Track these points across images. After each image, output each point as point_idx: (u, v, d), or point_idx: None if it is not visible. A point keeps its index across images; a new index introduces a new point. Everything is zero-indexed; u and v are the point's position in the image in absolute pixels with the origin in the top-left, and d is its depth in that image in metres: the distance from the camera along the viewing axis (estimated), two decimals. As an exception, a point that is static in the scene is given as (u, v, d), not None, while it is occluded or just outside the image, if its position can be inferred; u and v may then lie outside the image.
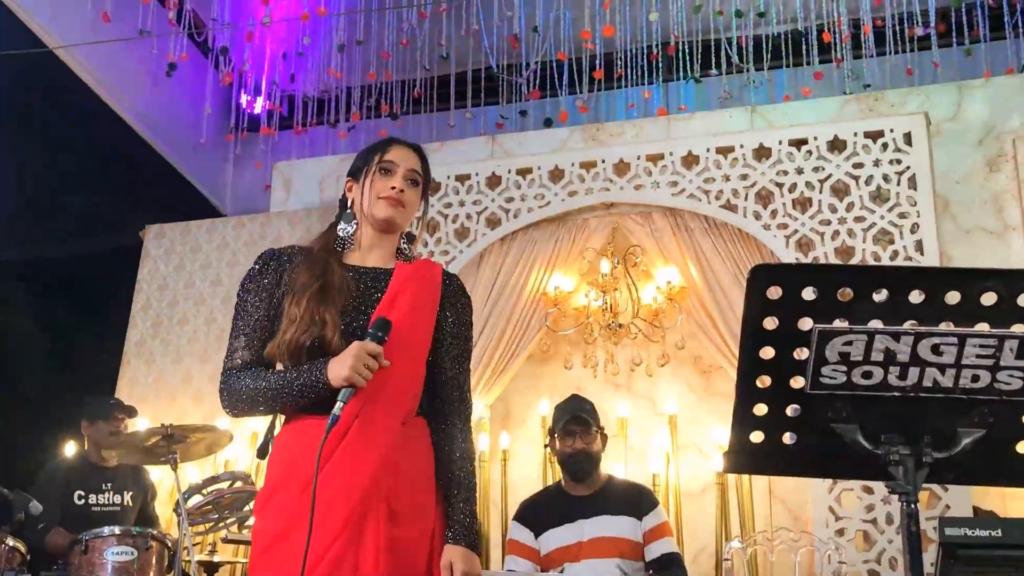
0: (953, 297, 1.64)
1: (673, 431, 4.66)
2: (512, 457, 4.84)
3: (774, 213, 4.71)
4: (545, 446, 4.60)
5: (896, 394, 1.69)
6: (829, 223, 4.61)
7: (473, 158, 5.42)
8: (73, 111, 5.94)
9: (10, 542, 3.57)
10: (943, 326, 1.65)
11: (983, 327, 1.65)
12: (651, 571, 3.67)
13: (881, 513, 4.18)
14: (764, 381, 1.76)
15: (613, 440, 4.54)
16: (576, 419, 3.81)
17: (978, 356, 1.65)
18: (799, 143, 4.78)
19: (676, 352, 4.94)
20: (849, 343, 1.67)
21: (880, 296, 1.65)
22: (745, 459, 1.83)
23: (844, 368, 1.69)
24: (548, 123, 6.24)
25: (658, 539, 3.71)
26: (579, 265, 5.06)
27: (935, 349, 1.65)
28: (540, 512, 3.82)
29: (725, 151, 4.88)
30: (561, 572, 3.62)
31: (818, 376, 1.71)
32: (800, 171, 4.71)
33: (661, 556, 3.69)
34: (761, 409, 1.78)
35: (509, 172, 5.18)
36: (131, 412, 4.56)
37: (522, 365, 5.09)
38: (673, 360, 4.96)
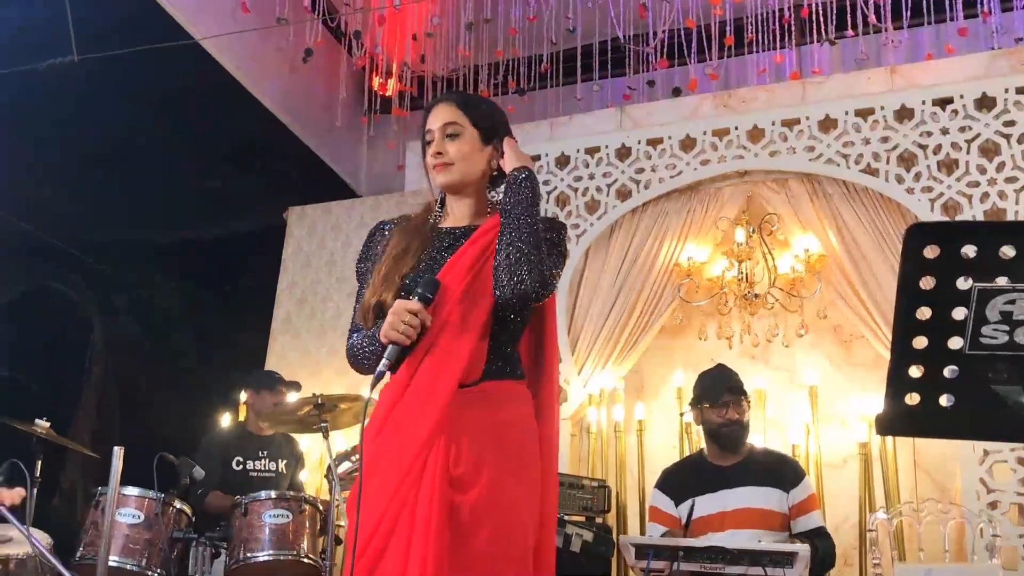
0: (1126, 252, 1.57)
1: (813, 402, 4.58)
2: (646, 428, 4.85)
3: (918, 176, 4.54)
4: (680, 414, 4.62)
5: (1062, 353, 1.64)
6: (978, 185, 4.41)
7: (601, 130, 5.42)
8: (217, 99, 6.22)
9: (177, 505, 3.82)
10: (1115, 282, 1.59)
11: None
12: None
13: (1036, 487, 4.01)
14: (920, 342, 1.72)
15: (752, 412, 4.51)
16: (730, 389, 3.79)
17: None
18: (943, 102, 4.59)
19: (815, 322, 4.84)
20: (1012, 302, 1.62)
21: (1046, 253, 1.60)
22: (900, 422, 1.80)
23: (1006, 328, 1.64)
24: (677, 92, 6.17)
25: (806, 513, 3.66)
26: (713, 235, 5.01)
27: (1105, 306, 1.59)
28: (682, 480, 3.82)
29: (864, 113, 4.73)
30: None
31: (978, 336, 1.66)
32: (945, 131, 4.52)
33: (810, 531, 3.64)
34: (917, 371, 1.74)
35: (639, 143, 5.16)
36: (293, 386, 4.79)
37: (655, 337, 5.08)
38: (812, 330, 4.86)
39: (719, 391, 3.76)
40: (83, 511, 3.86)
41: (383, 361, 1.92)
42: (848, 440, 4.52)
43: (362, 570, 1.87)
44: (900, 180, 4.56)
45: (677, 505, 3.78)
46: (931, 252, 1.66)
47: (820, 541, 3.60)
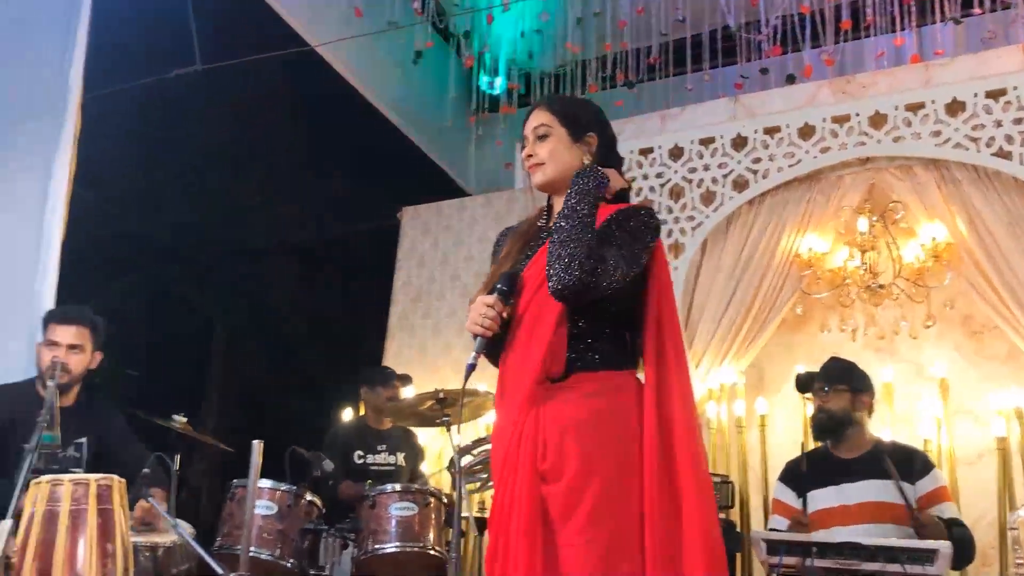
0: None
1: (944, 395, 4.42)
2: (771, 424, 4.76)
3: (1060, 155, 4.33)
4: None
5: None
6: None
7: (715, 121, 5.34)
8: (331, 103, 6.38)
9: (308, 497, 3.94)
10: None
11: None
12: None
13: None
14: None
15: (878, 405, 4.38)
16: (826, 379, 3.73)
17: None
18: (1084, 80, 4.37)
19: (943, 313, 4.67)
20: None
21: None
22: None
23: None
24: (791, 79, 6.02)
25: (936, 504, 3.53)
26: (834, 225, 4.89)
27: None
28: (805, 473, 3.75)
29: (996, 94, 4.53)
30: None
31: None
32: (1088, 109, 4.30)
33: (946, 520, 3.51)
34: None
35: (755, 132, 5.07)
36: (405, 380, 4.89)
37: (775, 331, 4.98)
38: (939, 321, 4.68)
39: (817, 379, 3.71)
40: (209, 504, 4.01)
41: (471, 354, 2.02)
42: (983, 435, 4.34)
43: (491, 564, 1.96)
44: (1036, 162, 4.36)
45: (799, 497, 3.71)
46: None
47: (957, 529, 3.48)
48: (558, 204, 2.16)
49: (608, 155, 2.22)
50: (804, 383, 3.84)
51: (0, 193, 4.32)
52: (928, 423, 4.39)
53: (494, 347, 2.06)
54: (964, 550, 3.42)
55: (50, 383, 2.98)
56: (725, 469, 4.63)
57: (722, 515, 4.27)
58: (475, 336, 2.02)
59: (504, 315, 2.01)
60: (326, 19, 5.99)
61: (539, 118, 2.19)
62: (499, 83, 6.90)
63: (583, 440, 1.94)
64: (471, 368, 2.00)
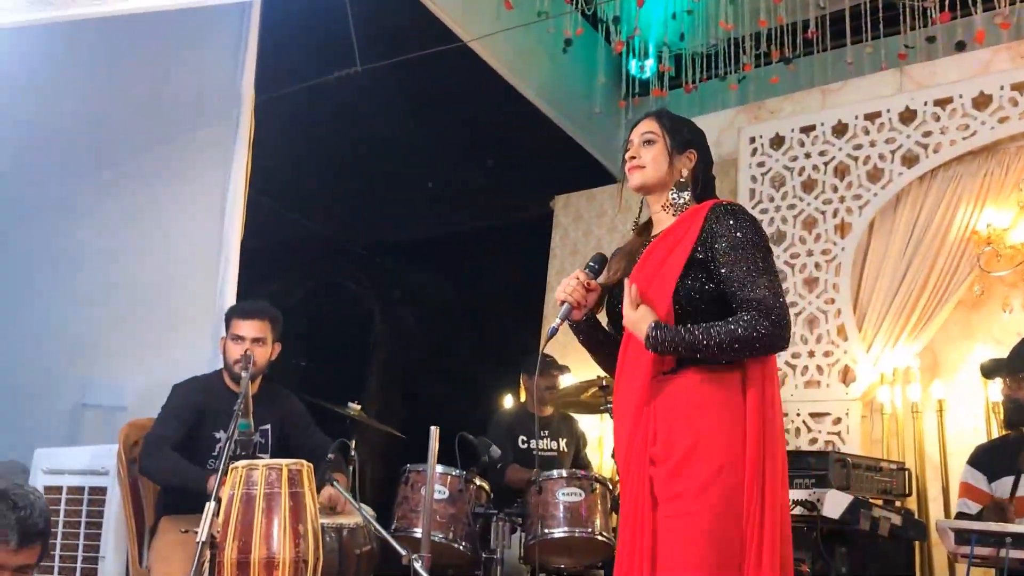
0: None
1: None
2: (949, 408, 4.55)
3: None
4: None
5: None
6: None
7: (880, 94, 5.13)
8: (484, 96, 6.47)
9: (478, 482, 4.03)
10: None
11: None
12: None
13: None
14: None
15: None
16: (1007, 367, 3.52)
17: None
18: None
19: None
20: None
21: None
22: None
23: None
24: (961, 46, 5.70)
25: None
26: (1016, 198, 4.60)
27: None
28: (997, 457, 3.58)
29: None
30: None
31: None
32: None
33: None
34: None
35: (925, 104, 4.83)
36: (564, 370, 4.92)
37: (953, 311, 4.75)
38: None
39: (1006, 367, 3.50)
40: (374, 488, 4.14)
41: (556, 320, 2.22)
42: None
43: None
44: None
45: (991, 482, 3.53)
46: None
47: None
48: (654, 205, 2.33)
49: (705, 175, 2.33)
50: (990, 370, 3.66)
51: (182, 196, 4.61)
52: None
53: (608, 349, 2.26)
54: None
55: (244, 374, 3.16)
56: (900, 456, 4.45)
57: (899, 503, 4.13)
58: (561, 303, 2.23)
59: (588, 287, 2.22)
60: (477, 13, 6.07)
61: (648, 126, 2.34)
62: (649, 66, 6.82)
63: (692, 423, 2.06)
64: (554, 331, 2.20)
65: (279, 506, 2.77)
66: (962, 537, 2.82)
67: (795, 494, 3.32)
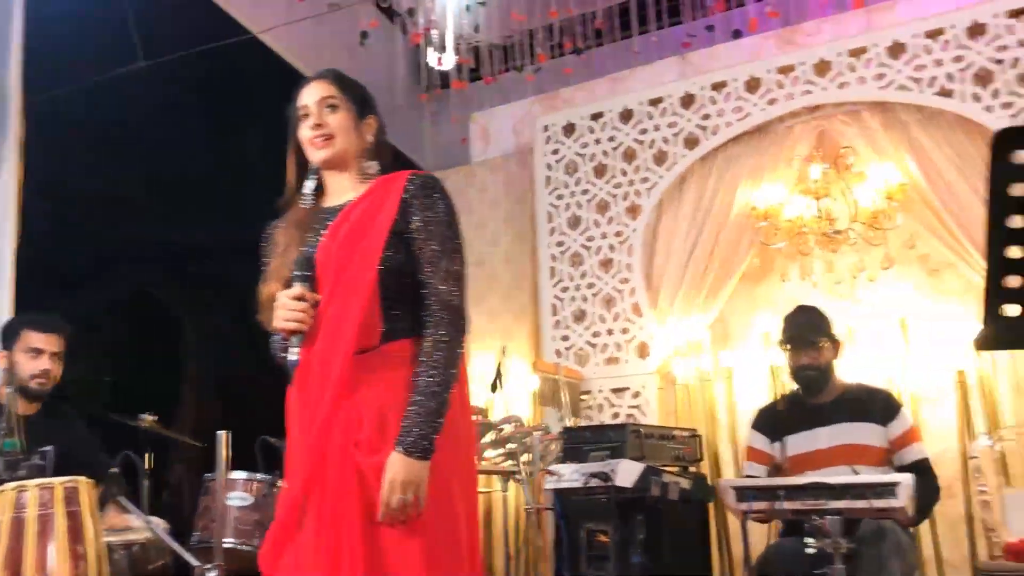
0: None
1: (905, 335, 4.49)
2: (738, 376, 4.83)
3: (995, 93, 4.38)
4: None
5: None
6: (1061, 95, 4.25)
7: (663, 80, 5.36)
8: (282, 91, 6.32)
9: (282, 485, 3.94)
10: None
11: None
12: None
13: None
14: (1015, 252, 1.68)
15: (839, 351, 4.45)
16: (803, 334, 3.73)
17: None
18: (1018, 13, 4.41)
19: (900, 254, 4.73)
20: None
21: None
22: (1000, 335, 1.76)
23: None
24: (737, 35, 6.05)
25: (908, 445, 3.59)
26: (787, 175, 4.92)
27: None
28: (777, 419, 3.80)
29: (934, 34, 4.57)
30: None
31: (1078, 239, 1.62)
32: (1023, 43, 4.34)
33: (913, 463, 3.58)
34: (1014, 281, 1.70)
35: (702, 89, 5.09)
36: None
37: (738, 284, 5.03)
38: (898, 262, 4.75)
39: (793, 336, 3.72)
40: (191, 499, 4.00)
41: (292, 351, 1.94)
42: (944, 370, 4.42)
43: (281, 538, 1.92)
44: (977, 99, 4.41)
45: (772, 443, 3.76)
46: (1021, 157, 1.62)
47: (922, 478, 3.56)
48: (335, 181, 2.11)
49: (382, 143, 2.18)
50: (790, 339, 3.81)
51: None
52: (891, 363, 4.46)
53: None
54: (929, 501, 3.51)
55: (8, 389, 2.96)
56: (693, 424, 4.69)
57: (693, 468, 4.35)
58: (292, 333, 1.94)
59: (314, 300, 1.95)
60: (268, 5, 5.93)
61: (326, 89, 2.10)
62: (447, 59, 6.86)
63: (399, 411, 1.91)
64: (295, 365, 1.93)
65: (54, 528, 2.62)
66: (741, 494, 3.00)
67: (592, 467, 3.43)
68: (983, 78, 4.44)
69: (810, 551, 2.84)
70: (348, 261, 1.97)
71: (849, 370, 4.45)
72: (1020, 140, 1.60)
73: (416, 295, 2.00)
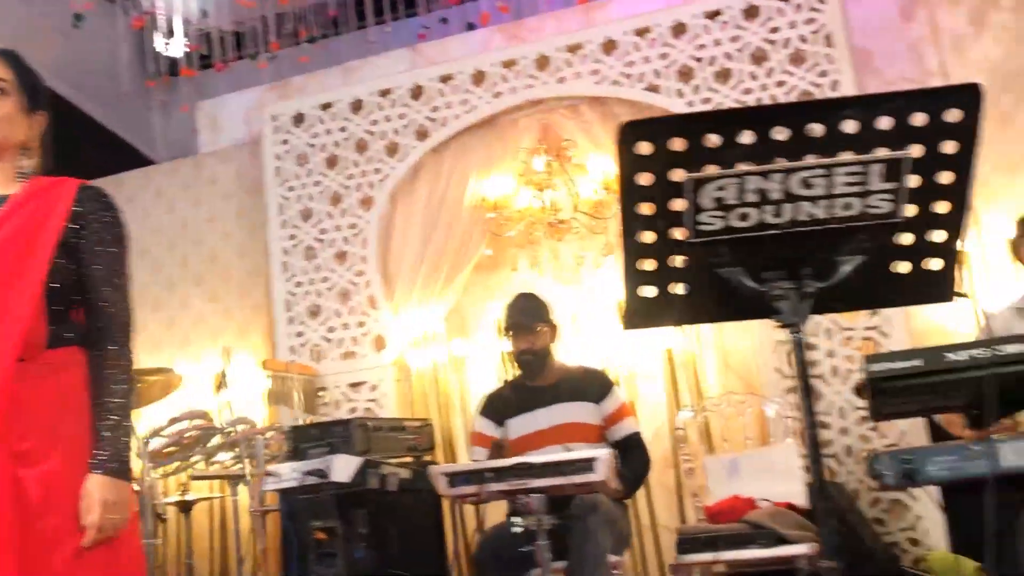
0: (815, 130, 1.68)
1: (619, 316, 4.74)
2: (472, 364, 4.92)
3: (696, 88, 4.70)
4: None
5: (774, 232, 1.74)
6: (750, 91, 4.62)
7: (395, 71, 5.36)
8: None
9: None
10: (809, 159, 1.70)
11: (848, 155, 1.69)
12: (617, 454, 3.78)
13: (826, 367, 4.31)
14: (647, 237, 1.80)
15: (567, 333, 4.64)
16: (523, 319, 3.86)
17: (847, 184, 1.69)
18: (714, 15, 4.75)
19: (620, 241, 4.97)
20: (722, 188, 1.71)
21: (745, 138, 1.69)
22: (642, 315, 1.89)
23: (721, 213, 1.73)
24: (471, 27, 6.16)
25: (619, 421, 3.79)
26: (515, 167, 5.06)
27: (805, 183, 1.69)
28: (501, 403, 3.90)
29: (642, 32, 4.84)
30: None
31: (697, 225, 1.75)
32: (718, 43, 4.69)
33: (624, 438, 3.78)
34: (649, 264, 1.82)
35: (431, 81, 5.13)
36: None
37: (473, 274, 5.13)
38: (616, 250, 5.00)
39: (512, 322, 3.84)
40: None
41: None
42: (654, 348, 4.70)
43: None
44: (680, 94, 4.72)
45: (498, 427, 3.86)
46: (645, 148, 1.73)
47: (637, 451, 3.77)
48: None
49: (46, 144, 2.05)
50: (510, 326, 3.91)
51: None
52: (611, 344, 4.70)
53: None
54: (638, 474, 3.73)
55: None
56: (431, 414, 4.74)
57: (428, 457, 4.39)
58: None
59: None
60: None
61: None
62: (175, 45, 6.54)
63: (65, 421, 1.84)
64: None
65: None
66: (452, 480, 3.04)
67: (308, 464, 3.38)
68: (686, 74, 4.76)
69: (516, 530, 2.93)
70: (11, 266, 1.84)
71: (574, 353, 4.68)
72: (643, 132, 1.71)
73: (82, 305, 1.93)
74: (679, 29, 4.80)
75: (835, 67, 4.52)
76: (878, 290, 1.84)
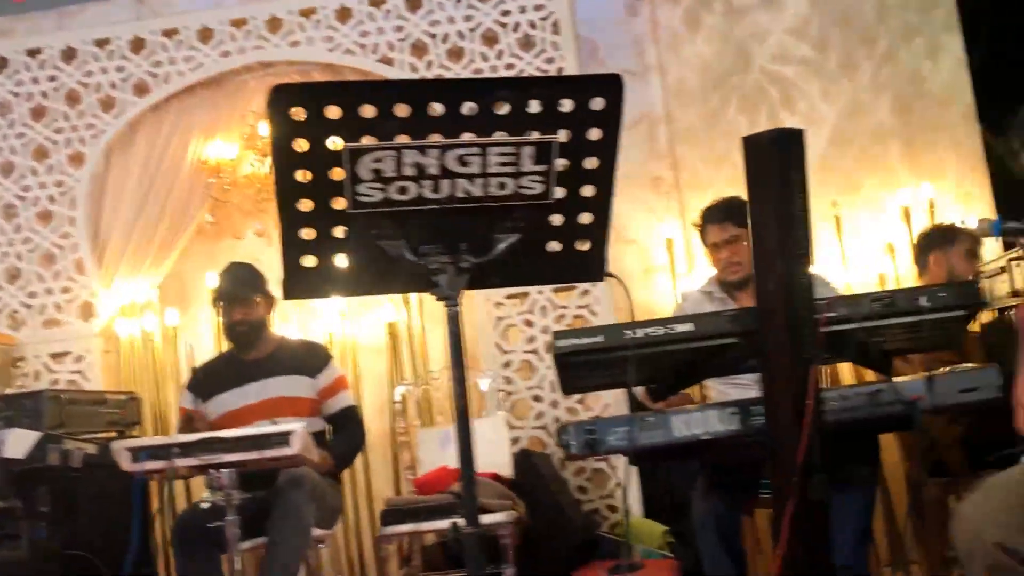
0: (470, 108, 1.71)
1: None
2: (190, 335, 4.73)
3: (429, 64, 4.72)
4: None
5: (433, 207, 1.76)
6: (481, 72, 4.69)
7: (116, 20, 5.00)
8: None
9: None
10: (466, 137, 1.73)
11: (501, 135, 1.74)
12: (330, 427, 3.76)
13: (540, 342, 4.48)
14: (306, 205, 1.77)
15: (289, 304, 4.55)
16: (230, 293, 3.74)
17: (501, 164, 1.75)
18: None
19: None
20: (379, 160, 1.71)
21: (403, 111, 1.69)
22: (302, 285, 1.86)
23: (380, 185, 1.74)
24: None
25: (334, 395, 3.77)
26: (241, 131, 4.87)
27: (461, 160, 1.73)
28: (209, 378, 3.77)
29: (378, 3, 4.76)
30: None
31: (356, 195, 1.74)
32: (452, 20, 4.72)
33: (339, 411, 3.77)
34: (309, 233, 1.80)
35: (153, 34, 4.82)
36: None
37: (195, 242, 4.91)
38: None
39: (225, 292, 3.73)
40: None
41: None
42: (377, 322, 4.71)
43: None
44: (414, 68, 4.72)
45: (205, 401, 3.73)
46: (299, 114, 1.69)
47: (351, 425, 3.76)
48: None
49: None
50: (222, 296, 3.76)
51: None
52: (334, 316, 4.65)
53: None
54: (351, 445, 3.73)
55: None
56: (138, 386, 4.51)
57: (135, 432, 4.18)
58: None
59: None
60: None
61: None
62: None
63: None
64: None
65: None
66: (135, 455, 2.89)
67: (-24, 441, 3.12)
68: (420, 49, 4.76)
69: (204, 506, 2.84)
70: None
71: (296, 325, 4.61)
72: (297, 97, 1.68)
73: None
74: (414, 3, 4.78)
75: (561, 54, 4.67)
76: (534, 268, 1.91)
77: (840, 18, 4.93)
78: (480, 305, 4.52)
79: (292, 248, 1.78)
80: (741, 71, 4.97)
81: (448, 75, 4.71)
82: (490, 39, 4.74)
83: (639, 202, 4.93)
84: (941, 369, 2.60)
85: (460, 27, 4.73)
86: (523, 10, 4.71)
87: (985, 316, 3.70)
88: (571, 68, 4.66)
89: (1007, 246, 3.65)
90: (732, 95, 4.96)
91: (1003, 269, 3.09)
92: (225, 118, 4.85)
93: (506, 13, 4.72)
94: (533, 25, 4.71)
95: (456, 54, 4.74)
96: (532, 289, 4.46)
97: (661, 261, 4.82)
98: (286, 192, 1.73)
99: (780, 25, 4.98)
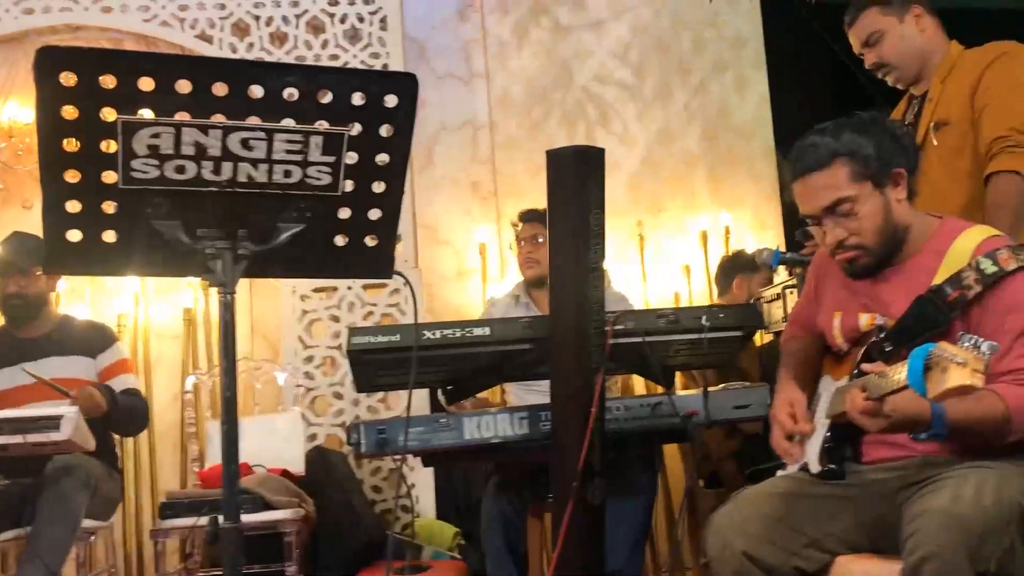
0: (257, 91, 1.66)
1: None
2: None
3: (251, 47, 4.58)
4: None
5: (213, 189, 1.70)
6: (304, 60, 4.60)
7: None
8: None
9: None
10: (251, 120, 1.68)
11: (289, 122, 1.70)
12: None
13: (345, 338, 4.42)
14: (73, 176, 1.68)
15: (81, 281, 4.32)
16: (7, 264, 3.50)
17: (287, 152, 1.70)
18: (274, -26, 4.66)
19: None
20: (157, 135, 1.63)
21: (184, 87, 1.63)
22: (65, 259, 1.75)
23: (156, 162, 1.66)
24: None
25: (115, 376, 3.59)
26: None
27: (245, 144, 1.67)
28: None
29: (199, -23, 4.61)
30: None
31: (130, 171, 1.66)
32: (277, 4, 4.61)
33: (121, 392, 3.58)
34: (75, 206, 1.70)
35: (-60, -17, 4.46)
36: None
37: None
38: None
39: (2, 262, 3.50)
40: None
41: None
42: (175, 306, 4.53)
43: None
44: (234, 49, 4.56)
45: None
46: (68, 79, 1.60)
47: (126, 398, 3.59)
48: None
49: None
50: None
51: None
52: (126, 298, 4.43)
53: None
54: (133, 416, 3.55)
55: None
56: None
57: None
58: None
59: None
60: None
61: None
62: None
63: None
64: None
65: None
66: None
67: None
68: (243, 30, 4.61)
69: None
70: None
71: (83, 304, 4.36)
72: (67, 61, 1.58)
73: None
74: (238, -17, 4.64)
75: (387, 51, 4.64)
76: (318, 260, 1.88)
77: (659, 46, 5.15)
78: (286, 298, 4.43)
79: (55, 220, 1.68)
80: (563, 87, 5.10)
81: (270, 59, 4.58)
82: (317, 28, 4.65)
83: (457, 204, 4.96)
84: (719, 386, 2.76)
85: (285, 11, 4.62)
86: (352, 2, 4.65)
87: (768, 338, 3.95)
88: (396, 65, 4.64)
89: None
90: (554, 109, 5.08)
91: (779, 296, 3.31)
92: (23, 79, 4.54)
93: (334, 3, 4.65)
94: (361, 18, 4.66)
95: (280, 39, 4.63)
96: (341, 284, 4.41)
97: (474, 264, 4.87)
98: (51, 160, 1.63)
99: (603, 48, 5.14)
